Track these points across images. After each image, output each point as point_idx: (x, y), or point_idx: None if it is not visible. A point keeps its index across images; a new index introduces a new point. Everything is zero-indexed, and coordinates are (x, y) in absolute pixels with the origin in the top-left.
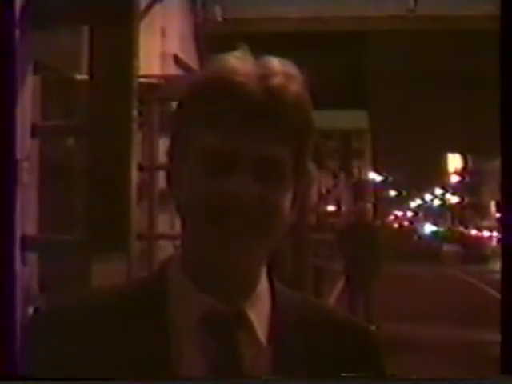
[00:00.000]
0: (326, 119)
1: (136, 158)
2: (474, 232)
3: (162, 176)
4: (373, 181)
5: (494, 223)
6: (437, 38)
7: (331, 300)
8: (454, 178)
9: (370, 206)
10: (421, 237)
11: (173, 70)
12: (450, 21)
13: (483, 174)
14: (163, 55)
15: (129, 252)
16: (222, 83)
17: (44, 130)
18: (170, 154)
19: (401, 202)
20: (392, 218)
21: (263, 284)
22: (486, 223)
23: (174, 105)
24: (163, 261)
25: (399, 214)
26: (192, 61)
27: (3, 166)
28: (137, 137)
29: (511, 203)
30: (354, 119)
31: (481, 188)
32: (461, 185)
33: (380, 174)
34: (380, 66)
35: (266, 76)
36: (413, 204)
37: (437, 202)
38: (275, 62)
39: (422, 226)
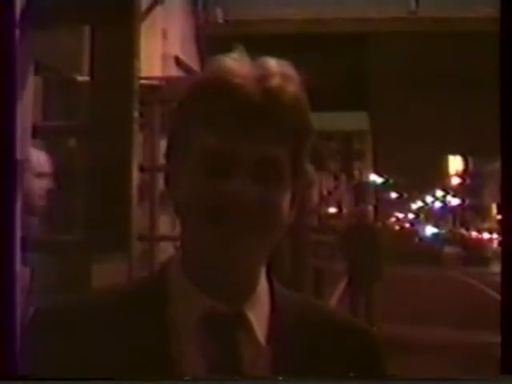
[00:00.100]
0: (326, 121)
1: (137, 159)
2: (474, 234)
3: (162, 177)
4: (374, 182)
5: (494, 225)
6: (438, 40)
7: (333, 301)
8: (455, 180)
9: (371, 207)
10: (422, 239)
11: (174, 71)
12: (451, 23)
13: (484, 175)
14: (164, 57)
15: (129, 253)
16: (219, 84)
17: (45, 130)
18: (168, 154)
19: (402, 203)
20: (393, 219)
21: (263, 284)
22: (486, 225)
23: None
24: (164, 261)
25: (400, 215)
26: (193, 62)
27: (3, 167)
28: (138, 138)
29: (511, 205)
30: (355, 121)
31: (482, 190)
32: (462, 187)
33: (381, 175)
34: (381, 67)
35: (263, 77)
36: (414, 206)
37: (438, 204)
38: (272, 63)
39: (423, 228)
